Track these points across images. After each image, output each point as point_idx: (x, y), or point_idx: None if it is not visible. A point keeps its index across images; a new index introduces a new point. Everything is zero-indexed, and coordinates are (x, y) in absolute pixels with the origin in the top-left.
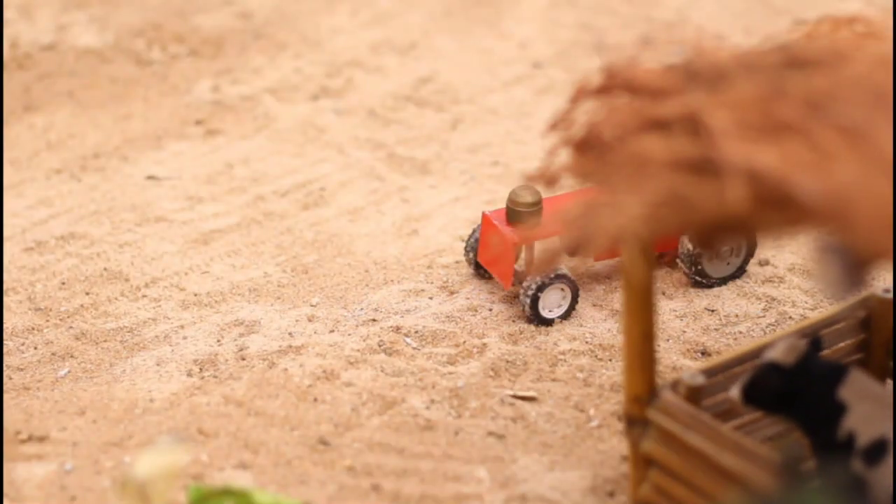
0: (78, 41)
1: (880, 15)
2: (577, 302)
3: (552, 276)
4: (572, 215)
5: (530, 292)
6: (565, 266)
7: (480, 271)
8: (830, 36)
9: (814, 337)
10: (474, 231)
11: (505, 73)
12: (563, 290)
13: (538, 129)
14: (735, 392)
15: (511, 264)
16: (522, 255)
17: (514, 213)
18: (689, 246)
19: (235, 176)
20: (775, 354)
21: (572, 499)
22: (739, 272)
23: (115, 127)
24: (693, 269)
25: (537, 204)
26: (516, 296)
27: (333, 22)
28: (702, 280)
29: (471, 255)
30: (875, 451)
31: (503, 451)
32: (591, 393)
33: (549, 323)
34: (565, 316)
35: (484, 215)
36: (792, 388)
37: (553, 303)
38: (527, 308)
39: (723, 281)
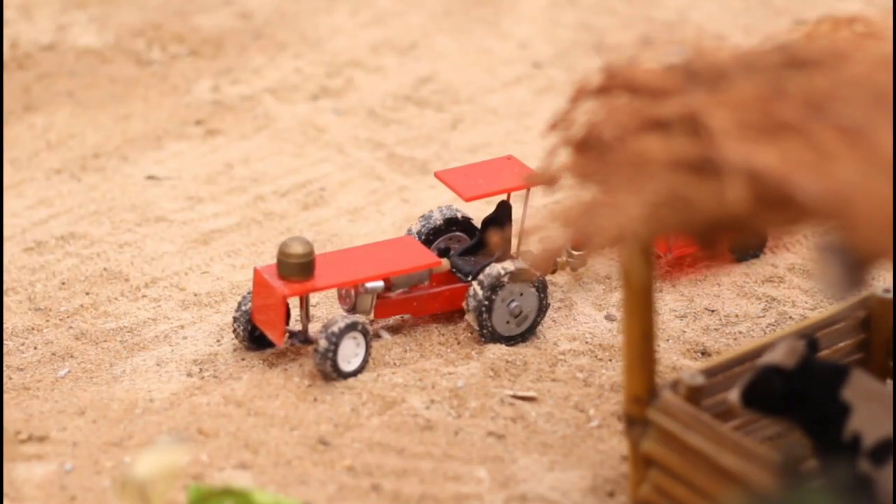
0: (78, 41)
1: (880, 15)
2: (370, 351)
3: (343, 325)
4: (572, 215)
5: (321, 348)
6: (356, 315)
7: (255, 339)
8: (830, 36)
9: (810, 338)
10: (244, 298)
11: (505, 73)
12: (356, 339)
13: (538, 129)
14: (734, 396)
15: (281, 319)
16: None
17: (285, 266)
18: (480, 297)
19: (235, 176)
20: (776, 357)
21: (572, 499)
22: (528, 334)
23: (115, 127)
24: (480, 320)
25: (308, 255)
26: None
27: (333, 22)
28: (487, 335)
29: (240, 329)
30: (882, 451)
31: (503, 451)
32: (591, 393)
33: (347, 377)
34: (362, 368)
35: (255, 270)
36: (794, 391)
37: (349, 353)
38: (324, 364)
39: (508, 339)
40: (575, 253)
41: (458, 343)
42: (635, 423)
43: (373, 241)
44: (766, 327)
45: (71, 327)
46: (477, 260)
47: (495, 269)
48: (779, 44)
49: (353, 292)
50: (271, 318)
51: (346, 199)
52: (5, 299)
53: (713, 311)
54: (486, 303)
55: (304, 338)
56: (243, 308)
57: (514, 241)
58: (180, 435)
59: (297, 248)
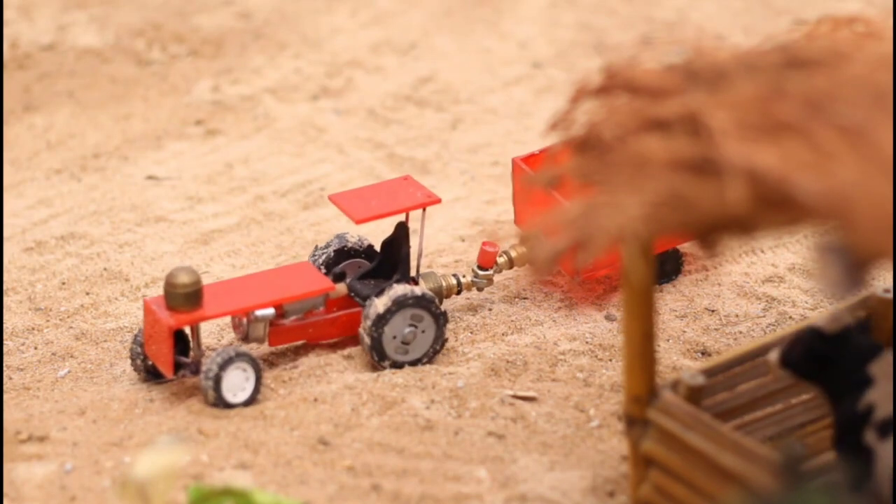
0: (78, 41)
1: (880, 15)
2: (260, 385)
3: (232, 354)
4: (572, 215)
5: (211, 374)
6: (245, 345)
7: (152, 370)
8: (830, 36)
9: (863, 320)
10: (140, 330)
11: (505, 73)
12: (244, 370)
13: (538, 129)
14: (774, 356)
15: (170, 350)
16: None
17: (172, 297)
18: (373, 322)
19: (235, 176)
20: (820, 322)
21: (572, 499)
22: (425, 359)
23: (115, 127)
24: (372, 345)
25: (194, 284)
26: (517, 295)
27: (333, 22)
28: (382, 363)
29: (138, 361)
30: (888, 426)
31: (503, 451)
32: (591, 393)
33: (232, 407)
34: (251, 400)
35: (145, 302)
36: (829, 355)
37: (236, 385)
38: (208, 394)
39: (398, 366)
40: (480, 272)
41: (458, 343)
42: (635, 423)
43: (270, 269)
44: (766, 327)
45: (71, 327)
46: (377, 283)
47: (393, 290)
48: (779, 44)
49: (244, 320)
50: (161, 349)
51: None
52: (5, 299)
53: (713, 311)
54: (379, 326)
55: (195, 369)
56: (139, 340)
57: (413, 262)
58: (180, 435)
59: (183, 278)
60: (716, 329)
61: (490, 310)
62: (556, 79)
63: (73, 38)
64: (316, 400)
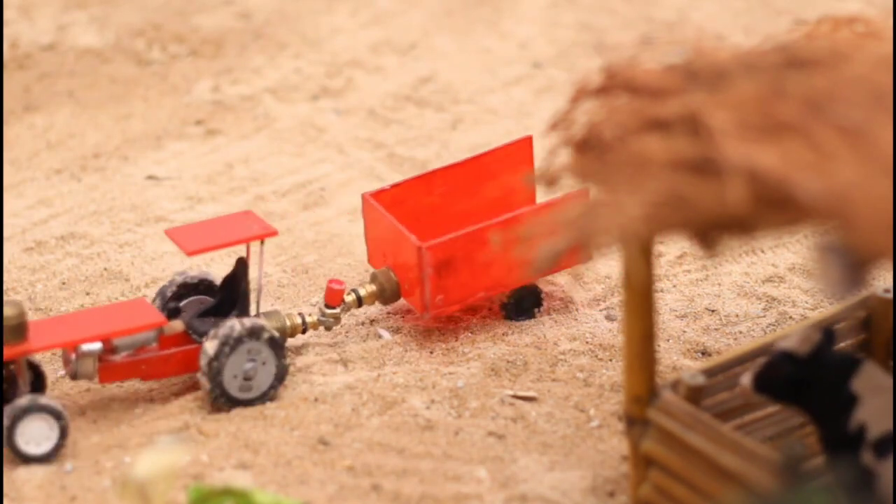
0: (78, 41)
1: (880, 15)
2: (66, 436)
3: (35, 404)
4: (573, 215)
5: (6, 425)
6: (48, 397)
7: None
8: (830, 36)
9: (826, 329)
10: None
11: (505, 73)
12: (47, 421)
13: (538, 129)
14: (746, 380)
15: None
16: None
17: None
18: (210, 357)
19: (235, 176)
20: (790, 344)
21: (572, 499)
22: (267, 396)
23: (115, 127)
24: (213, 382)
25: (18, 317)
26: None
27: (333, 22)
28: (222, 399)
29: None
30: (885, 444)
31: (503, 451)
32: (591, 393)
33: (30, 462)
34: (52, 455)
35: None
36: (805, 378)
37: (38, 435)
38: (6, 442)
39: (248, 402)
40: (327, 311)
41: (459, 343)
42: (635, 423)
43: (105, 304)
44: (766, 327)
45: None
46: (217, 321)
47: (229, 325)
48: (779, 44)
49: (73, 356)
50: None
51: (346, 199)
52: (5, 299)
53: (713, 311)
54: (217, 361)
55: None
56: None
57: (252, 298)
58: (180, 435)
59: (7, 311)
60: (716, 329)
61: (489, 309)
62: (556, 79)
63: (73, 38)
64: (316, 400)
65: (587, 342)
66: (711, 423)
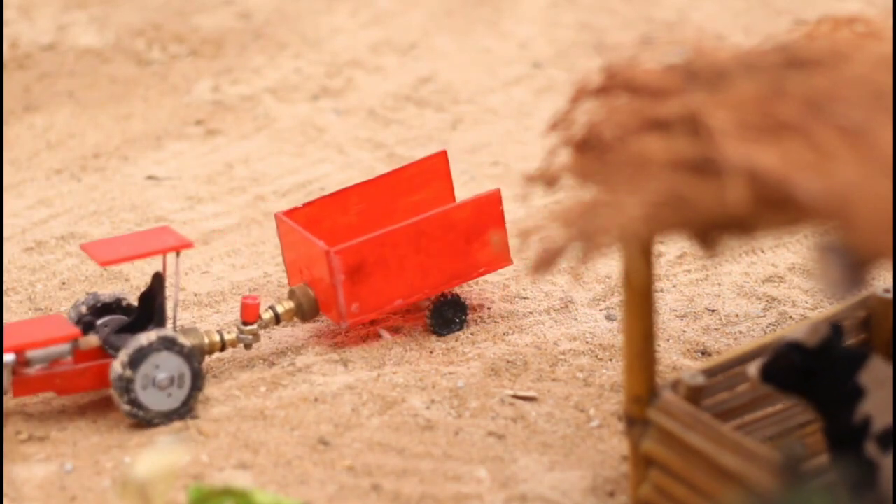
0: (78, 41)
1: (880, 15)
2: None
3: None
4: (572, 215)
5: None
6: None
7: None
8: (830, 36)
9: (835, 324)
10: None
11: (505, 73)
12: None
13: (538, 129)
14: (753, 370)
15: None
16: None
17: None
18: (121, 370)
19: (235, 176)
20: (798, 335)
21: (572, 499)
22: (184, 408)
23: (115, 127)
24: (126, 396)
25: None
26: (517, 295)
27: (333, 22)
28: (137, 414)
29: None
30: (889, 438)
31: (503, 451)
32: (591, 393)
33: None
34: None
35: None
36: (813, 368)
37: None
38: None
39: (166, 417)
40: (245, 328)
41: (458, 343)
42: (635, 423)
43: (22, 319)
44: (767, 327)
45: None
46: (133, 336)
47: (138, 339)
48: (779, 44)
49: None
50: None
51: None
52: (5, 299)
53: (713, 311)
54: (130, 377)
55: None
56: None
57: (170, 311)
58: (180, 435)
59: None
60: (716, 329)
61: (490, 309)
62: (556, 79)
63: (73, 38)
64: (316, 400)
65: (587, 342)
66: (711, 423)
